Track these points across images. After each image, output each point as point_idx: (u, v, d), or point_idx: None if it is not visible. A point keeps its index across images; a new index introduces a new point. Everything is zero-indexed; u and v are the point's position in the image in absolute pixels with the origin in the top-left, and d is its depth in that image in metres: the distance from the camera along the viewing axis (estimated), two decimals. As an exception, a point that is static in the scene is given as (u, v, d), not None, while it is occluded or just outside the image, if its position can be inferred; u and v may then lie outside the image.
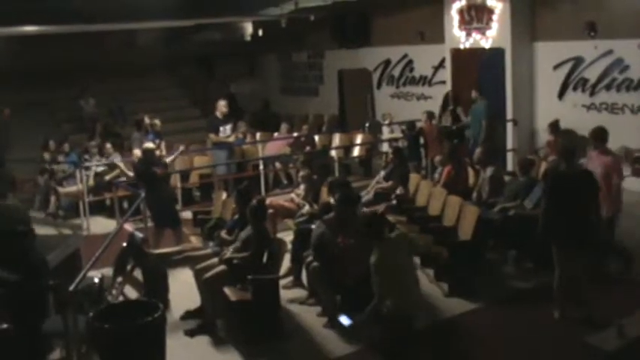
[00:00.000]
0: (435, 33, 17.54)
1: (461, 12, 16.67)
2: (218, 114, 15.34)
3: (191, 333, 8.69)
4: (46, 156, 16.85)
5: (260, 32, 22.26)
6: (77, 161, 15.66)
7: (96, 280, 8.87)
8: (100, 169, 15.63)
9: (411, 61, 19.35)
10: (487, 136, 15.11)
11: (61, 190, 15.48)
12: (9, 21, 16.64)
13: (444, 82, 17.84)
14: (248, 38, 23.14)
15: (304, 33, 21.89)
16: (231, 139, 15.53)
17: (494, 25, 15.90)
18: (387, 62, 19.98)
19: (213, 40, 22.90)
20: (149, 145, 12.26)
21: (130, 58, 22.68)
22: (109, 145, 16.36)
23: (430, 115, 15.97)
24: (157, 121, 15.92)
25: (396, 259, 7.71)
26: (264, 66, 25.47)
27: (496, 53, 15.98)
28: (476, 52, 16.52)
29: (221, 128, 15.19)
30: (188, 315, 9.13)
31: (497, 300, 9.40)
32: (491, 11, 15.94)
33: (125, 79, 22.42)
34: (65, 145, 17.12)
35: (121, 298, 9.50)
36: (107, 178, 15.25)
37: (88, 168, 15.21)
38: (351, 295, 8.76)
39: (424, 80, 18.97)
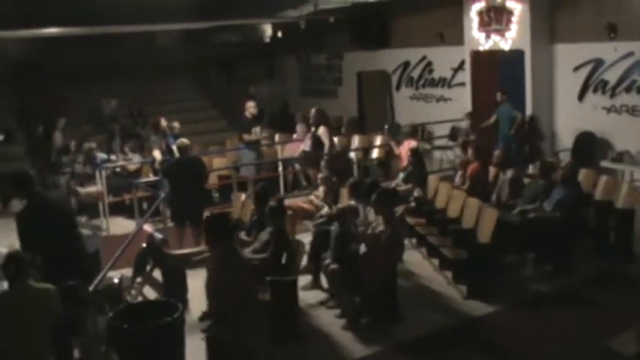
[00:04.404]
0: (455, 35, 17.50)
1: (480, 14, 16.62)
2: (247, 115, 15.46)
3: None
4: (66, 157, 16.92)
5: (279, 34, 22.28)
6: (104, 161, 15.72)
7: (115, 281, 8.93)
8: (118, 170, 15.70)
9: (430, 63, 19.32)
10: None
11: (81, 190, 15.54)
12: (32, 23, 16.76)
13: (463, 84, 17.79)
14: (267, 40, 23.16)
15: (323, 35, 21.90)
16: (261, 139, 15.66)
17: (514, 26, 15.85)
18: (406, 64, 19.96)
19: (232, 42, 22.93)
20: (184, 140, 12.25)
21: (150, 59, 22.75)
22: (127, 146, 16.45)
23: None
24: (176, 124, 15.98)
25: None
26: (283, 68, 25.49)
27: (516, 55, 15.92)
28: (495, 54, 16.47)
29: (252, 130, 15.32)
30: (206, 316, 9.15)
31: (515, 303, 9.38)
32: (510, 13, 15.89)
33: (145, 80, 22.48)
34: (84, 145, 17.18)
35: (140, 299, 9.54)
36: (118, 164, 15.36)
37: (107, 169, 15.28)
38: (371, 297, 8.77)
39: (443, 82, 18.93)
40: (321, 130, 14.86)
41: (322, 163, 13.70)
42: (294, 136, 18.40)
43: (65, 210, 8.61)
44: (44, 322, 6.25)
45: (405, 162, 13.95)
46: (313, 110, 15.31)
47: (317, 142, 15.05)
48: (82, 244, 8.25)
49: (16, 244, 7.53)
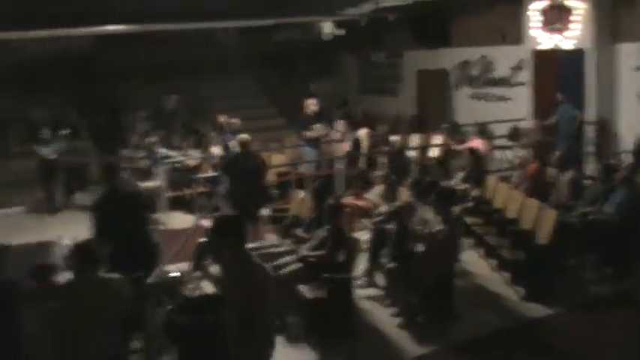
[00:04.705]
0: (515, 34, 17.33)
1: (541, 12, 16.42)
2: (309, 112, 15.53)
3: (279, 328, 8.75)
4: (127, 151, 17.18)
5: (340, 32, 22.30)
6: (164, 156, 15.93)
7: (174, 274, 9.04)
8: (178, 165, 15.89)
9: (490, 62, 19.16)
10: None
11: (140, 185, 15.74)
12: (95, 20, 17.06)
13: (523, 84, 17.61)
14: (327, 38, 23.20)
15: (383, 33, 21.85)
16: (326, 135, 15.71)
17: (575, 25, 15.63)
18: (466, 63, 19.82)
19: (293, 40, 23.03)
20: (245, 136, 12.37)
21: (211, 56, 22.97)
22: (187, 142, 16.64)
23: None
24: (236, 120, 16.10)
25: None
26: (343, 65, 25.49)
27: (576, 54, 15.71)
28: (556, 54, 16.26)
29: (313, 127, 15.38)
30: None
31: (574, 305, 9.29)
32: (571, 12, 15.67)
33: (206, 77, 22.69)
34: (145, 140, 17.39)
35: (197, 293, 9.64)
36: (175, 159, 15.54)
37: (167, 164, 15.46)
38: (428, 296, 8.76)
39: (503, 81, 18.75)
40: (363, 131, 14.79)
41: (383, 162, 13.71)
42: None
43: (140, 202, 8.77)
44: (110, 313, 6.33)
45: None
46: (359, 110, 15.25)
47: (357, 142, 15.03)
48: (150, 238, 8.40)
49: (80, 236, 7.65)
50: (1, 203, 16.33)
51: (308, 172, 15.58)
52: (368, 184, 14.05)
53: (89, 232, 8.32)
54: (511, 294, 9.65)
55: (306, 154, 15.82)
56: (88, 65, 21.15)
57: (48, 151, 16.35)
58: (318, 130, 15.51)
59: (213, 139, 15.82)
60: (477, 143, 14.48)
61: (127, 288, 6.49)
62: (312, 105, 15.57)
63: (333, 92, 24.15)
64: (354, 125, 15.97)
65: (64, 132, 17.45)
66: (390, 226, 9.48)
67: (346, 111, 22.35)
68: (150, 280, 7.32)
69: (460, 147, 15.22)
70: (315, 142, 15.63)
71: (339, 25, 20.81)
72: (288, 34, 22.50)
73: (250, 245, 10.23)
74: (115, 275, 6.57)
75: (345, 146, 17.15)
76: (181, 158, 16.33)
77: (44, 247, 10.63)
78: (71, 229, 9.96)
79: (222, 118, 16.19)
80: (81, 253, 6.41)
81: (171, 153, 16.47)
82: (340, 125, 15.31)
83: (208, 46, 23.04)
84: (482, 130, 15.92)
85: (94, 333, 6.22)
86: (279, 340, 8.47)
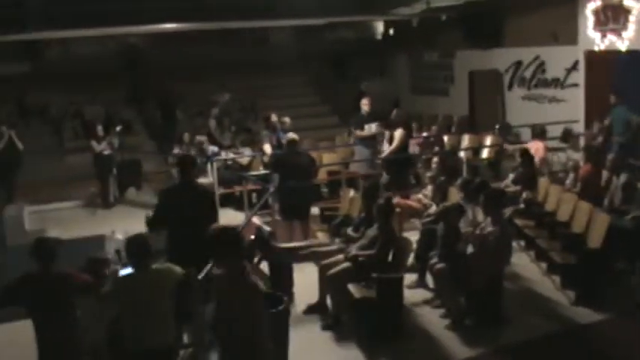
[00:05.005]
0: (569, 34, 17.15)
1: (596, 12, 16.24)
2: (363, 111, 15.55)
3: (329, 327, 8.80)
4: (179, 148, 17.36)
5: (391, 31, 22.31)
6: (215, 153, 16.07)
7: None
8: (230, 163, 16.01)
9: (543, 63, 18.97)
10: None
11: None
12: (149, 19, 17.27)
13: (576, 85, 17.43)
14: (379, 37, 23.22)
15: (435, 32, 21.78)
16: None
17: (631, 26, 15.41)
18: (519, 63, 19.65)
19: (344, 39, 23.08)
20: (293, 135, 12.43)
21: (264, 55, 23.11)
22: (239, 140, 16.77)
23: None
24: (287, 119, 16.18)
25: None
26: (394, 65, 25.44)
27: (633, 55, 15.50)
28: (611, 55, 16.07)
29: (366, 126, 15.36)
30: (310, 310, 9.25)
31: (625, 311, 9.15)
32: (628, 12, 15.46)
33: (258, 75, 22.83)
34: (199, 137, 17.55)
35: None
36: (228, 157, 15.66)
37: (218, 161, 15.58)
38: (477, 297, 8.73)
39: (556, 83, 18.55)
40: (398, 133, 14.70)
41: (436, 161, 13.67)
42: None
43: (209, 198, 8.91)
44: (163, 303, 6.44)
45: (543, 166, 13.84)
46: (394, 112, 15.15)
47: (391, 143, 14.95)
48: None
49: (133, 230, 7.77)
50: (56, 198, 16.63)
51: (359, 171, 15.57)
52: (419, 185, 14.06)
53: (152, 217, 8.56)
54: (561, 298, 9.56)
55: (359, 153, 15.80)
56: (141, 62, 21.46)
57: (102, 147, 16.58)
58: (371, 129, 15.48)
59: (265, 137, 15.88)
60: (537, 145, 14.35)
61: (178, 277, 6.62)
62: (365, 105, 15.57)
63: (385, 92, 24.11)
64: (388, 127, 15.87)
65: (117, 128, 17.70)
66: (438, 227, 9.46)
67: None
68: (201, 275, 7.39)
69: (520, 147, 15.07)
70: (369, 142, 15.58)
71: (391, 24, 20.82)
72: (342, 34, 22.55)
73: (300, 244, 10.38)
74: (168, 265, 6.70)
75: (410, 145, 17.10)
76: (232, 156, 16.44)
77: (97, 241, 10.80)
78: (124, 224, 10.12)
79: (274, 117, 16.26)
80: (134, 247, 6.51)
81: (220, 151, 16.58)
82: (374, 127, 15.22)
83: (261, 44, 23.19)
84: (543, 132, 15.73)
85: (150, 323, 6.35)
86: (329, 337, 8.58)
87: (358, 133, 15.44)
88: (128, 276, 6.65)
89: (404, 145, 13.99)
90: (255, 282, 5.52)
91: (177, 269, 6.67)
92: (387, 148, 14.26)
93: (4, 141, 16.10)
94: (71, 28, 17.01)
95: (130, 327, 6.39)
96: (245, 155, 16.54)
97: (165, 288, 6.48)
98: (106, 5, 16.40)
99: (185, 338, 7.91)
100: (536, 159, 13.78)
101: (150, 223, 8.68)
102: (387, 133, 14.67)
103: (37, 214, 15.35)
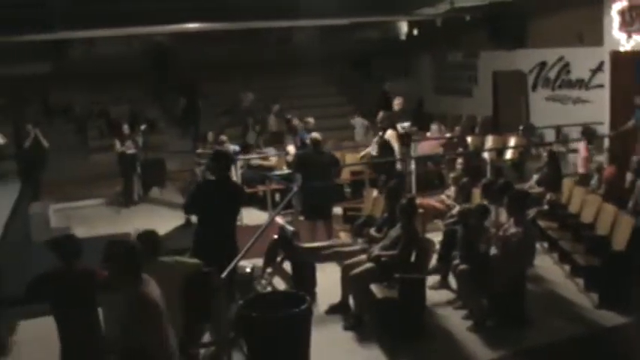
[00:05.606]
0: (594, 35, 17.04)
1: (622, 13, 16.13)
2: (395, 110, 15.56)
3: (351, 327, 8.80)
4: (202, 147, 17.41)
5: (415, 31, 22.28)
6: (236, 152, 16.11)
7: (247, 270, 9.17)
8: (255, 162, 16.05)
9: (567, 64, 18.87)
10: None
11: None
12: (174, 19, 17.35)
13: (602, 86, 17.32)
14: (403, 37, 23.19)
15: (459, 33, 21.73)
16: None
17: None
18: (543, 64, 19.56)
19: (369, 39, 23.07)
20: (316, 135, 12.44)
21: (288, 55, 23.15)
22: (262, 139, 16.82)
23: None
24: (311, 119, 16.20)
25: None
26: (418, 65, 25.40)
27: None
28: (637, 55, 15.95)
29: (398, 126, 15.37)
30: (332, 310, 9.25)
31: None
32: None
33: (282, 75, 22.89)
34: (221, 136, 17.60)
35: (269, 289, 9.75)
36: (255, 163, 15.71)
37: (240, 160, 15.62)
38: (499, 299, 8.70)
39: (581, 84, 18.45)
40: (389, 134, 14.66)
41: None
42: (428, 134, 18.35)
43: (239, 196, 8.98)
44: (173, 295, 6.47)
45: (586, 165, 13.78)
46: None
47: (384, 146, 14.89)
48: (235, 233, 8.57)
49: (157, 228, 7.81)
50: (81, 196, 16.75)
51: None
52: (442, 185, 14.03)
53: (189, 203, 8.84)
54: (585, 301, 9.50)
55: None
56: (166, 62, 21.57)
57: (125, 147, 16.68)
58: (404, 128, 15.46)
59: (289, 138, 15.93)
60: (581, 147, 14.24)
61: (189, 271, 6.80)
62: (397, 104, 15.59)
63: (408, 92, 24.08)
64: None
65: (142, 127, 17.79)
66: (459, 228, 9.44)
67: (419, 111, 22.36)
68: (224, 274, 7.42)
69: (549, 149, 15.00)
70: (402, 140, 15.55)
71: (415, 24, 20.79)
72: (366, 34, 22.54)
73: (323, 244, 10.39)
74: (176, 258, 6.77)
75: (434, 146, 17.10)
76: (255, 156, 16.48)
77: (121, 238, 10.85)
78: (148, 222, 10.16)
79: (295, 121, 16.31)
80: (143, 241, 6.65)
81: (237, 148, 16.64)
82: (406, 125, 15.24)
83: (286, 44, 23.24)
84: (591, 134, 15.61)
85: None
86: (351, 337, 8.58)
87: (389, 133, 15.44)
88: None
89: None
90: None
91: (190, 262, 6.77)
92: (374, 150, 14.35)
93: (30, 139, 16.27)
94: (95, 28, 17.13)
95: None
96: (270, 154, 16.58)
97: (173, 281, 6.55)
98: (129, 5, 16.48)
99: (206, 337, 7.95)
100: (580, 159, 13.78)
101: (187, 207, 9.13)
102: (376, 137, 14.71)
103: (62, 212, 15.48)
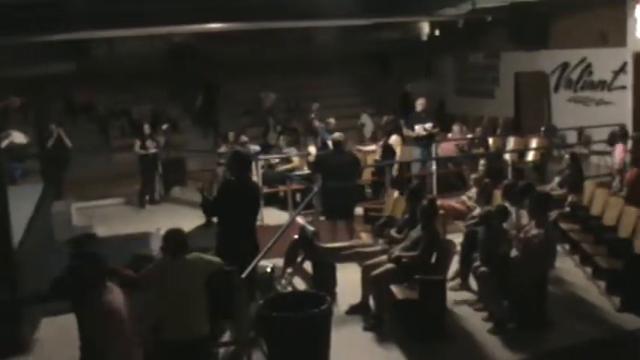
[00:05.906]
0: (617, 36, 16.97)
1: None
2: (419, 110, 15.56)
3: (371, 328, 8.80)
4: (224, 147, 17.45)
5: (437, 32, 22.24)
6: (257, 152, 16.15)
7: (267, 270, 9.19)
8: (276, 161, 16.07)
9: (590, 65, 18.78)
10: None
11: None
12: (195, 19, 17.42)
13: (624, 88, 17.24)
14: (424, 38, 23.16)
15: (480, 34, 21.69)
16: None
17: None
18: (565, 65, 19.49)
19: (390, 39, 23.05)
20: (338, 135, 12.44)
21: (309, 55, 23.18)
22: (283, 140, 16.82)
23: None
24: (332, 119, 16.21)
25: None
26: (439, 66, 25.38)
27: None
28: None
29: (417, 127, 15.36)
30: (352, 310, 9.26)
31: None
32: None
33: (303, 75, 22.90)
34: (242, 137, 17.64)
35: (289, 289, 9.77)
36: (281, 168, 15.70)
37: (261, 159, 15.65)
38: (520, 301, 8.67)
39: (603, 85, 18.36)
40: (394, 139, 14.63)
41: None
42: (449, 135, 18.32)
43: (257, 196, 9.05)
44: (197, 292, 6.66)
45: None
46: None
47: (387, 150, 14.86)
48: (256, 233, 8.62)
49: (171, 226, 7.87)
50: (103, 195, 16.85)
51: (414, 170, 15.57)
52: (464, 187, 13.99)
53: (209, 204, 8.81)
54: (606, 304, 9.45)
55: (413, 153, 15.77)
56: (189, 62, 21.64)
57: (148, 145, 16.75)
58: (426, 129, 15.46)
59: (309, 141, 15.96)
60: (618, 148, 14.18)
61: (212, 268, 6.87)
62: (420, 105, 15.59)
63: (430, 93, 24.05)
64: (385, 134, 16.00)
65: (164, 126, 17.87)
66: (480, 230, 9.41)
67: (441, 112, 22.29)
68: (244, 274, 7.46)
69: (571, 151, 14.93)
70: (424, 141, 15.54)
71: (436, 25, 20.77)
72: (387, 34, 22.52)
73: (343, 244, 10.39)
74: (199, 255, 6.82)
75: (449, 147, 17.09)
76: (277, 156, 16.50)
77: (142, 238, 10.92)
78: (169, 222, 10.22)
79: (316, 123, 16.33)
80: (171, 239, 6.78)
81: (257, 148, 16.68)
82: (428, 126, 15.21)
83: (307, 44, 23.27)
84: (624, 134, 15.53)
85: (184, 312, 6.55)
86: (371, 338, 8.58)
87: (411, 133, 15.47)
88: (161, 261, 6.91)
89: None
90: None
91: (213, 260, 6.85)
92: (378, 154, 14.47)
93: (53, 139, 16.40)
94: (117, 27, 17.23)
95: (164, 315, 6.59)
96: (291, 154, 16.60)
97: (197, 277, 6.68)
98: (152, 5, 16.58)
99: (227, 336, 7.99)
100: (616, 160, 13.83)
101: (206, 208, 9.10)
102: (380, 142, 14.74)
103: (84, 211, 15.56)
